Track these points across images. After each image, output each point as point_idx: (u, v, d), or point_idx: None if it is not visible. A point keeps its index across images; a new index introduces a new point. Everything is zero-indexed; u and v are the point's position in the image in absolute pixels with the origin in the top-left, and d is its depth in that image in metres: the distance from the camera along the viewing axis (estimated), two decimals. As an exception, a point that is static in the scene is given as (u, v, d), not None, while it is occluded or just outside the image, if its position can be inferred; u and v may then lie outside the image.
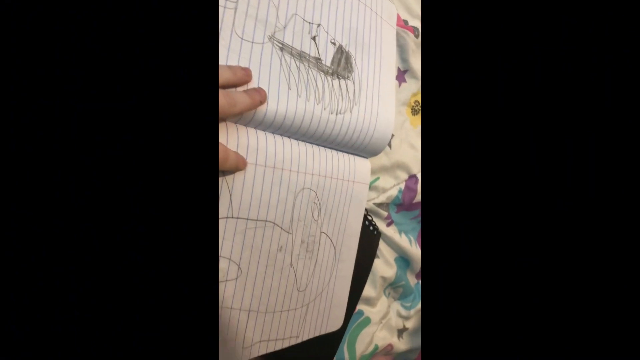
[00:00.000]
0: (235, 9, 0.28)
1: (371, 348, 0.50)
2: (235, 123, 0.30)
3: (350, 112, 0.37)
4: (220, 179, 0.29)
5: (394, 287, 0.55)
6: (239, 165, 0.29)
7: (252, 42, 0.29)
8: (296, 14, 0.32)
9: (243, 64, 0.29)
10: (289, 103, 0.31)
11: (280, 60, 0.31)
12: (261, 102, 0.29)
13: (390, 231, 0.52)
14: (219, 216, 0.29)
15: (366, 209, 0.46)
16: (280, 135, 0.33)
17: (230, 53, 0.28)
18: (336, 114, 0.35)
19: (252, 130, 0.31)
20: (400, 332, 0.56)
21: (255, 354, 0.34)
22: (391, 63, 0.42)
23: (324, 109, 0.34)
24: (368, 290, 0.49)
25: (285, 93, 0.31)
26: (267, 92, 0.30)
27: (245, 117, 0.30)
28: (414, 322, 0.58)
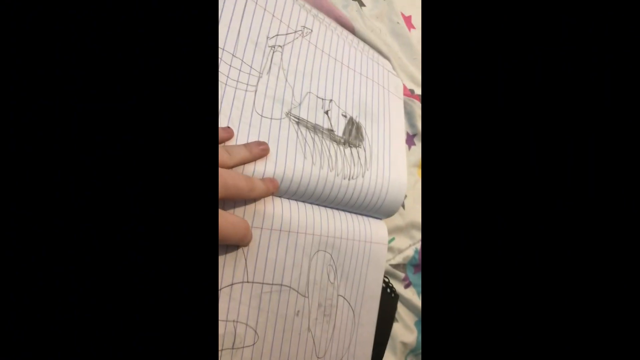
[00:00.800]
0: (255, 91, 0.32)
1: (395, 423, 0.46)
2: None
3: (363, 176, 0.39)
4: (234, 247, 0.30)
5: (416, 354, 0.52)
6: (269, 189, 0.31)
7: (271, 119, 0.32)
8: (310, 92, 0.36)
9: (263, 137, 0.32)
10: (304, 171, 0.34)
11: (297, 133, 0.34)
12: (273, 193, 0.32)
13: (408, 293, 0.51)
14: (234, 281, 0.30)
15: (383, 271, 0.46)
16: (296, 200, 0.35)
17: (251, 129, 0.31)
18: (349, 179, 0.37)
19: (267, 198, 0.33)
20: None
21: None
22: (400, 129, 0.45)
23: (337, 175, 0.36)
24: (388, 357, 0.47)
25: (301, 162, 0.33)
26: (284, 161, 0.32)
27: None
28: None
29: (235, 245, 0.30)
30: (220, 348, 0.29)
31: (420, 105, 0.52)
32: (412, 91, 0.53)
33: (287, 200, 0.34)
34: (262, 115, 0.32)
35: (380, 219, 0.43)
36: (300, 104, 0.35)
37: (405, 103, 0.50)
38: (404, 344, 0.49)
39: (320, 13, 0.41)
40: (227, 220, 0.28)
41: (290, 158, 0.33)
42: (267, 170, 0.31)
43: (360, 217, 0.41)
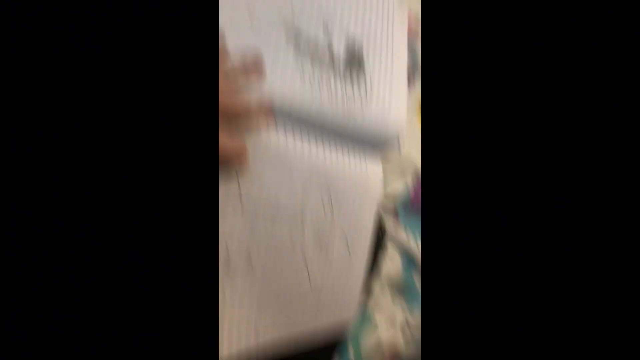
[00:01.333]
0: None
1: (376, 348, 0.49)
2: None
3: (362, 110, 0.37)
4: (230, 173, 0.29)
5: (400, 288, 0.54)
6: (241, 156, 0.29)
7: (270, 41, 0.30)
8: (312, 11, 0.33)
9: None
10: (304, 96, 0.32)
11: (296, 58, 0.31)
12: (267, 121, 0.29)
13: (397, 231, 0.51)
14: (227, 208, 0.29)
15: (374, 206, 0.46)
16: (291, 130, 0.33)
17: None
18: (347, 111, 0.35)
19: (263, 124, 0.31)
20: (407, 338, 0.55)
21: (270, 352, 0.34)
22: (403, 62, 0.43)
23: (336, 105, 0.34)
24: (374, 288, 0.48)
25: (300, 87, 0.31)
26: (281, 84, 0.30)
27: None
28: (419, 328, 0.57)
29: (229, 170, 0.29)
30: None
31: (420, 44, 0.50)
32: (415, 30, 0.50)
33: (283, 127, 0.33)
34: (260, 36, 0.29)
35: (376, 154, 0.42)
36: (300, 29, 0.32)
37: (408, 40, 0.47)
38: (390, 277, 0.50)
39: None
40: (224, 142, 0.26)
41: (288, 82, 0.31)
42: (263, 91, 0.29)
43: (356, 150, 0.40)
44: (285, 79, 0.30)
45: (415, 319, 0.56)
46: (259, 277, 0.31)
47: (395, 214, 0.51)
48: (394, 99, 0.40)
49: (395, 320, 0.53)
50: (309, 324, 0.37)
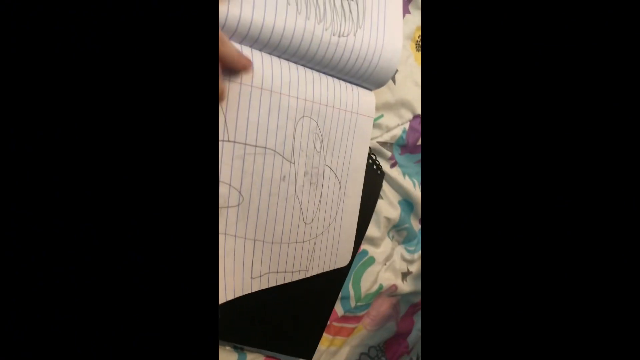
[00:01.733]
0: None
1: (376, 287, 0.50)
2: (229, 39, 0.28)
3: (354, 35, 0.34)
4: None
5: (398, 230, 0.55)
6: (245, 65, 0.28)
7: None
8: None
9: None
10: (288, 19, 0.29)
11: None
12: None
13: (394, 173, 0.51)
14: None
15: (370, 147, 0.45)
16: (278, 57, 0.31)
17: None
18: (339, 36, 0.33)
19: (246, 49, 0.29)
20: (405, 275, 0.56)
21: (265, 285, 0.34)
22: None
23: (326, 29, 0.32)
24: (372, 230, 0.48)
25: (284, 7, 0.29)
26: (264, 5, 0.28)
27: (240, 33, 0.28)
28: (417, 266, 0.58)
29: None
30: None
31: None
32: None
33: (269, 55, 0.30)
34: None
35: (370, 89, 0.40)
36: None
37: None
38: (388, 219, 0.50)
39: None
40: (231, 49, 0.26)
41: (271, 2, 0.28)
42: (244, 14, 0.27)
43: (349, 85, 0.38)
44: (271, 5, 0.28)
45: (412, 257, 0.57)
46: (252, 208, 0.31)
47: (392, 156, 0.50)
48: (388, 25, 0.38)
49: (393, 259, 0.54)
50: (306, 259, 0.37)
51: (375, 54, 0.37)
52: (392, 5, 0.38)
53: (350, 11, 0.34)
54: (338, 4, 0.33)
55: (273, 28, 0.29)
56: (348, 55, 0.35)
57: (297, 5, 0.30)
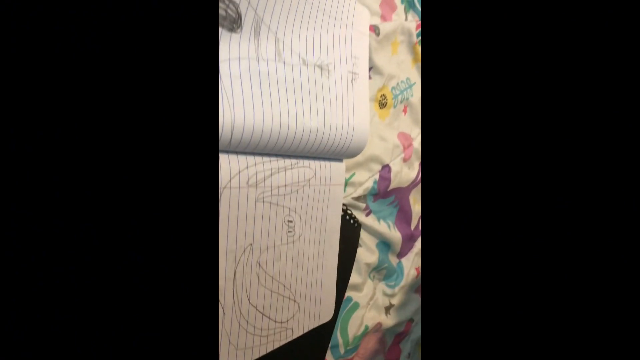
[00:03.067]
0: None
1: (362, 329, 0.54)
2: None
3: (325, 125, 0.38)
4: None
5: (378, 270, 0.59)
6: None
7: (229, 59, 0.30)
8: (268, 28, 0.33)
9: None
10: (273, 118, 0.33)
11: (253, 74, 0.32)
12: None
13: (369, 220, 0.55)
14: None
15: (345, 204, 0.49)
16: (252, 154, 0.35)
17: None
18: (311, 129, 0.37)
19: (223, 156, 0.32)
20: (387, 309, 0.60)
21: (256, 356, 0.38)
22: (364, 68, 0.44)
23: (303, 123, 0.36)
24: (354, 278, 0.52)
25: (269, 105, 0.32)
26: (242, 108, 0.31)
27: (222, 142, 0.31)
28: (398, 298, 0.62)
29: None
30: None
31: (375, 37, 0.50)
32: (375, 27, 0.50)
33: (235, 154, 0.34)
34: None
35: (341, 161, 0.44)
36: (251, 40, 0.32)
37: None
38: (368, 264, 0.55)
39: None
40: None
41: (248, 102, 0.32)
42: (225, 120, 0.30)
43: (320, 162, 0.42)
44: (244, 98, 0.31)
45: (393, 290, 0.62)
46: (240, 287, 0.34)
47: (366, 206, 0.54)
48: (357, 106, 0.42)
49: (376, 297, 0.58)
50: (291, 322, 0.41)
51: (347, 137, 0.41)
52: (359, 87, 0.42)
53: (324, 106, 0.38)
54: (313, 98, 0.37)
55: (252, 130, 0.32)
56: (319, 144, 0.38)
57: (279, 101, 0.33)
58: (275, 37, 0.34)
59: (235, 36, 0.31)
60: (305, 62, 0.36)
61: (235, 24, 0.31)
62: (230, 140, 0.31)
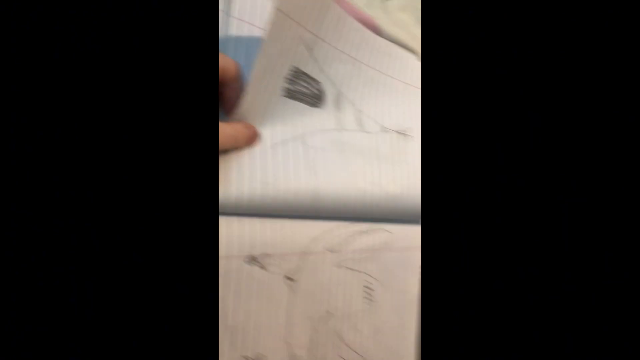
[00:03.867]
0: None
1: None
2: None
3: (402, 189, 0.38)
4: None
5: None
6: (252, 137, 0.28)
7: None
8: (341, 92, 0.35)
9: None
10: (345, 185, 0.34)
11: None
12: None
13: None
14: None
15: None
16: (332, 219, 0.35)
17: None
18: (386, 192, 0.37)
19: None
20: None
21: None
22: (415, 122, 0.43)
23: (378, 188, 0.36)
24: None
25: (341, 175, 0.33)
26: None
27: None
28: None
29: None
30: None
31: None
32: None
33: (314, 220, 0.34)
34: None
35: (419, 223, 0.43)
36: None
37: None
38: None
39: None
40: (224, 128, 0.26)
41: (330, 172, 0.33)
42: (309, 188, 0.31)
43: (398, 225, 0.41)
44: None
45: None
46: None
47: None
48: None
49: None
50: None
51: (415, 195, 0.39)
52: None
53: (403, 170, 0.38)
54: (393, 163, 0.37)
55: (335, 197, 0.33)
56: (400, 207, 0.38)
57: (360, 168, 0.34)
58: (355, 107, 0.36)
59: (318, 110, 0.33)
60: (385, 129, 0.37)
61: (318, 100, 0.33)
62: (311, 207, 0.32)
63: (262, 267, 0.31)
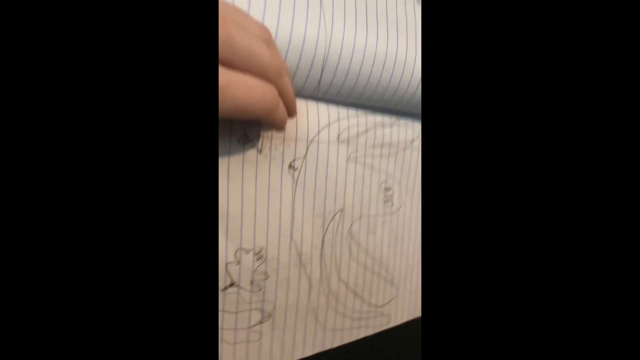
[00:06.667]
0: None
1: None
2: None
3: None
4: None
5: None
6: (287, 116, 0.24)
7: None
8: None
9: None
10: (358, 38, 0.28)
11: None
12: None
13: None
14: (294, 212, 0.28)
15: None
16: (345, 104, 0.30)
17: None
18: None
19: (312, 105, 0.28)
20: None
21: (347, 340, 0.33)
22: None
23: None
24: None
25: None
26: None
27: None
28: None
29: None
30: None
31: None
32: None
33: (326, 104, 0.29)
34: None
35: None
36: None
37: None
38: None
39: None
40: (246, 84, 0.18)
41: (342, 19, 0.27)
42: (319, 41, 0.26)
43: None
44: None
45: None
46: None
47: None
48: None
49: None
50: (388, 307, 0.35)
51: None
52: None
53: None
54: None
55: (350, 61, 0.28)
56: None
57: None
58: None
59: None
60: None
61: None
62: (321, 75, 0.26)
63: (259, 150, 0.26)
